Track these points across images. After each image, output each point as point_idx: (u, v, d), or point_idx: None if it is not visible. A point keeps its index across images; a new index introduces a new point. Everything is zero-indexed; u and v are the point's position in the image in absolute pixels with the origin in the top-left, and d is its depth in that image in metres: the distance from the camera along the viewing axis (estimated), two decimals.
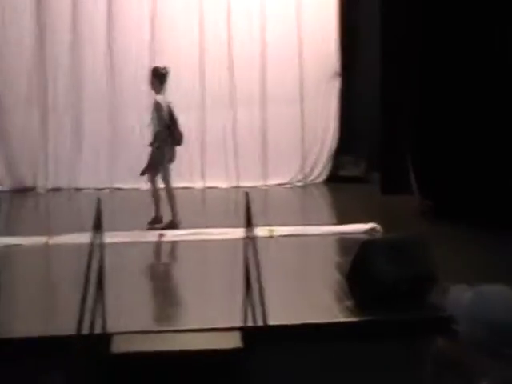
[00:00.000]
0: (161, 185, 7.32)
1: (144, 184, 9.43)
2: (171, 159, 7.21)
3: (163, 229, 6.77)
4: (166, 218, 7.01)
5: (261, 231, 5.36)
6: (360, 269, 4.55)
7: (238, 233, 5.45)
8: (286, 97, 9.85)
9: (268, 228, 6.55)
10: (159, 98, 7.07)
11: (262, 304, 3.74)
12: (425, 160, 7.28)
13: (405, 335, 4.08)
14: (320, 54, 9.85)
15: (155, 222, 6.96)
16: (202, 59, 9.66)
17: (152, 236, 6.52)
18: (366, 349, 4.08)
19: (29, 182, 9.35)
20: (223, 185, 9.70)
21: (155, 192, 7.18)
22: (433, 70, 7.14)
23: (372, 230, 6.61)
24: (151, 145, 7.10)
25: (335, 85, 9.96)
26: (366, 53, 9.55)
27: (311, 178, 9.95)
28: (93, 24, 9.43)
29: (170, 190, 7.13)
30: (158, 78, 7.14)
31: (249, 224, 4.23)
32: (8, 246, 6.15)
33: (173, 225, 6.87)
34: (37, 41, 9.35)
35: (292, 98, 9.91)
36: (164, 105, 7.03)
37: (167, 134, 6.98)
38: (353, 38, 9.83)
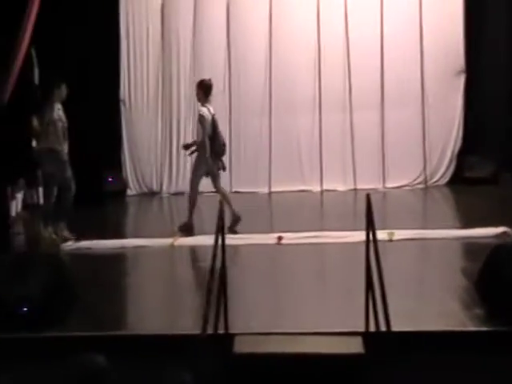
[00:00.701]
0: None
1: (262, 188, 9.62)
2: (219, 168, 7.31)
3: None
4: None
5: (380, 234, 5.22)
6: (492, 275, 4.29)
7: (358, 236, 5.34)
8: (406, 97, 9.56)
9: (388, 231, 6.38)
10: (203, 110, 7.15)
11: (385, 309, 3.62)
12: None
13: None
14: (443, 51, 9.45)
15: (185, 229, 6.96)
16: (318, 61, 9.63)
17: (271, 239, 6.58)
18: (496, 361, 3.82)
19: (155, 187, 9.82)
20: (341, 188, 9.60)
21: (192, 198, 7.27)
22: None
23: (504, 234, 6.21)
24: (190, 153, 7.43)
25: (459, 82, 9.51)
26: (491, 48, 9.04)
27: (433, 179, 9.57)
28: (212, 32, 9.73)
29: (224, 196, 7.18)
30: (203, 89, 7.23)
31: (370, 226, 4.13)
32: (136, 248, 6.49)
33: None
34: (161, 52, 9.82)
35: (413, 98, 9.60)
36: (208, 116, 7.11)
37: (209, 144, 7.07)
38: (478, 33, 9.33)
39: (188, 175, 9.83)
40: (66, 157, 6.76)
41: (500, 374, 3.74)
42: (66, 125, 6.80)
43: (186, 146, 7.58)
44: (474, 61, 9.31)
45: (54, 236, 6.71)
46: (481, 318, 4.22)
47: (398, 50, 9.48)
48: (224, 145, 7.33)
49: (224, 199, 6.82)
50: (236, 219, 7.06)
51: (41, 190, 8.96)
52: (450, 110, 9.58)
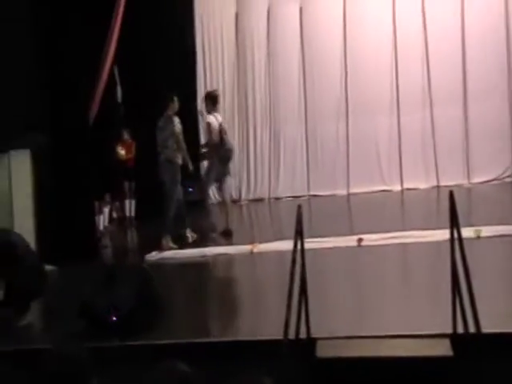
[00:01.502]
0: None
1: (340, 190, 9.53)
2: (224, 174, 7.58)
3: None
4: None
5: (466, 232, 5.02)
6: None
7: (443, 234, 5.16)
8: (489, 88, 9.21)
9: (474, 228, 6.13)
10: (211, 118, 7.43)
11: (474, 309, 3.47)
12: None
13: None
14: None
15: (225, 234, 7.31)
16: (395, 59, 9.47)
17: (351, 241, 6.49)
18: None
19: (234, 195, 9.96)
20: (423, 185, 9.35)
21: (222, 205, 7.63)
22: None
23: None
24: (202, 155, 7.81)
25: None
26: None
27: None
28: (286, 37, 9.81)
29: (225, 203, 7.57)
30: (211, 100, 7.56)
31: (454, 224, 3.97)
32: (217, 256, 6.59)
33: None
34: (237, 63, 9.98)
35: (497, 89, 9.23)
36: (216, 125, 7.37)
37: (215, 152, 7.41)
38: None
39: (266, 183, 9.94)
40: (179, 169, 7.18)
41: None
42: (181, 137, 7.19)
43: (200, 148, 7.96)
44: None
45: (173, 244, 6.97)
46: None
47: (481, 40, 9.16)
48: (231, 151, 7.64)
49: (224, 206, 7.23)
50: (227, 232, 7.31)
51: (127, 202, 9.35)
52: None
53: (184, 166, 7.22)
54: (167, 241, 6.99)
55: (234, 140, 9.97)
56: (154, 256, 6.71)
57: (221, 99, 10.02)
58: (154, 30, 9.17)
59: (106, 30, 7.22)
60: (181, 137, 7.13)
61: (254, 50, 9.94)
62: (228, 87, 10.03)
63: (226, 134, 7.57)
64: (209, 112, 7.59)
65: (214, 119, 7.49)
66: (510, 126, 9.24)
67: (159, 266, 6.39)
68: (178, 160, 7.09)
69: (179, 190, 7.15)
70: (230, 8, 9.92)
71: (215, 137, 7.42)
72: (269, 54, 9.87)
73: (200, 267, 6.40)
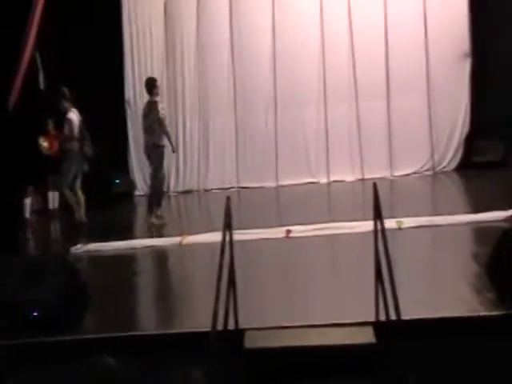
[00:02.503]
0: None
1: (269, 182, 9.62)
2: (81, 169, 7.87)
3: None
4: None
5: (389, 223, 5.19)
6: (503, 259, 4.24)
7: (367, 226, 5.32)
8: (411, 84, 9.53)
9: (396, 220, 6.35)
10: (71, 114, 7.73)
11: (395, 298, 3.60)
12: None
13: None
14: (447, 36, 9.42)
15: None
16: (322, 53, 9.62)
17: (280, 232, 6.57)
18: (509, 344, 3.79)
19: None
20: (349, 178, 9.58)
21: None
22: None
23: None
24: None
25: (465, 66, 9.44)
26: (497, 30, 8.96)
27: (441, 165, 9.53)
28: (216, 28, 9.77)
29: (78, 198, 7.76)
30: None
31: (377, 216, 4.10)
32: (145, 248, 6.51)
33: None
34: (166, 52, 9.83)
35: (418, 85, 9.56)
36: (76, 120, 7.71)
37: (78, 146, 7.74)
38: (483, 15, 9.24)
39: (195, 174, 9.88)
40: (165, 152, 7.65)
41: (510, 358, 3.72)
42: (166, 122, 7.68)
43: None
44: (479, 43, 9.24)
45: (159, 221, 7.48)
46: (492, 302, 4.19)
47: (403, 37, 9.44)
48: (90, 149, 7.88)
49: (77, 202, 7.51)
50: (81, 224, 7.53)
51: (50, 194, 9.07)
52: (456, 94, 9.53)
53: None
54: (149, 217, 7.50)
55: None
56: (79, 248, 6.54)
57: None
58: (80, 17, 8.90)
59: (27, 16, 6.94)
60: (165, 122, 7.59)
61: (183, 39, 9.83)
62: (156, 77, 9.87)
63: (85, 131, 7.78)
64: (66, 108, 7.78)
65: (74, 115, 7.75)
66: (429, 121, 9.59)
67: (85, 258, 6.24)
68: (163, 144, 7.54)
69: (164, 171, 7.84)
70: None
71: (76, 132, 7.72)
72: (198, 44, 9.79)
73: (128, 259, 6.30)
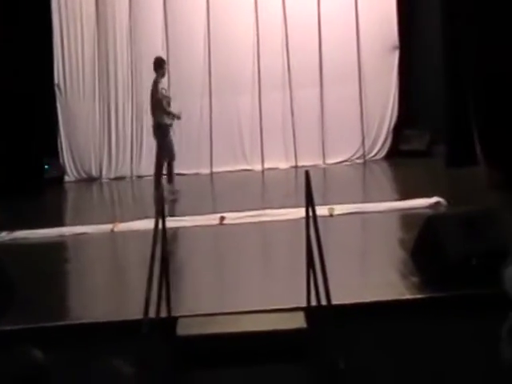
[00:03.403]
0: None
1: (204, 169, 9.59)
2: None
3: None
4: None
5: (321, 210, 5.30)
6: (427, 244, 4.43)
7: (299, 213, 5.40)
8: (343, 74, 9.67)
9: (328, 207, 6.48)
10: None
11: (326, 283, 3.69)
12: (491, 130, 6.99)
13: (476, 311, 3.95)
14: (377, 28, 9.60)
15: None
16: (257, 41, 9.61)
17: (213, 219, 6.58)
18: (434, 326, 3.98)
19: (94, 172, 9.63)
20: (283, 165, 9.68)
21: None
22: (498, 38, 6.80)
23: (436, 204, 6.43)
24: None
25: (394, 58, 9.69)
26: (424, 23, 9.23)
27: (371, 154, 9.77)
28: (149, 14, 9.54)
29: None
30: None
31: (309, 203, 4.18)
32: (76, 235, 6.36)
33: None
34: (97, 36, 9.55)
35: (350, 75, 9.72)
36: None
37: None
38: (411, 9, 9.51)
39: (128, 160, 9.71)
40: (170, 130, 7.84)
41: (435, 337, 3.90)
42: (170, 100, 7.86)
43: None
44: (407, 36, 9.51)
45: (172, 196, 7.49)
46: (417, 286, 4.37)
47: (335, 28, 9.57)
48: None
49: None
50: None
51: None
52: (385, 85, 9.76)
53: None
54: (156, 191, 7.45)
55: (95, 116, 9.63)
56: (3, 236, 6.31)
57: (80, 75, 9.65)
58: (5, 4, 8.48)
59: None
60: (165, 101, 7.73)
61: (115, 22, 9.57)
62: (88, 60, 9.60)
63: None
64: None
65: None
66: (360, 110, 9.81)
67: (10, 246, 6.02)
68: (166, 122, 7.76)
69: (171, 148, 7.86)
70: None
71: None
72: (131, 30, 9.56)
73: (56, 247, 6.12)
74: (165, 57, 9.58)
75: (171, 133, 7.92)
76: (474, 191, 6.88)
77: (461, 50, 7.24)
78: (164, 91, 7.80)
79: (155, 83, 7.80)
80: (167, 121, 7.78)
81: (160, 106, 7.71)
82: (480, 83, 7.08)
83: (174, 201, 7.57)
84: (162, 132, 7.76)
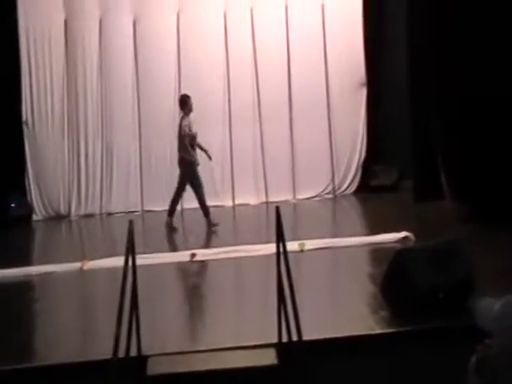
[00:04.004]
0: None
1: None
2: None
3: None
4: None
5: (291, 246, 5.33)
6: (395, 278, 4.48)
7: (270, 248, 5.42)
8: (312, 110, 9.85)
9: (299, 242, 6.52)
10: None
11: (296, 319, 3.69)
12: (457, 165, 7.17)
13: (444, 344, 3.99)
14: (345, 66, 9.84)
15: None
16: (227, 77, 9.74)
17: (184, 256, 6.54)
18: (403, 360, 4.00)
19: (62, 210, 9.52)
20: (253, 201, 9.71)
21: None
22: (461, 75, 7.04)
23: (405, 238, 6.52)
24: None
25: (362, 95, 9.93)
26: (392, 60, 9.50)
27: (341, 189, 9.90)
28: (119, 49, 9.61)
29: None
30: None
31: (280, 239, 4.20)
32: (43, 274, 6.24)
33: None
34: (66, 71, 9.57)
35: (319, 111, 9.91)
36: None
37: None
38: (379, 47, 9.80)
39: (98, 197, 9.62)
40: (195, 164, 8.09)
41: (405, 370, 3.91)
42: (195, 137, 8.09)
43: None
44: (375, 74, 9.76)
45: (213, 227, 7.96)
46: (386, 320, 4.39)
47: (304, 64, 9.78)
48: None
49: None
50: None
51: None
52: (354, 121, 9.97)
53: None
54: (169, 219, 8.04)
55: (63, 153, 9.56)
56: None
57: (49, 112, 9.61)
58: None
59: None
60: (188, 138, 8.00)
61: (85, 62, 9.59)
62: (57, 97, 9.58)
63: None
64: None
65: None
66: (330, 146, 9.96)
67: None
68: (190, 158, 8.01)
69: (198, 185, 8.15)
70: (58, 14, 9.49)
71: None
72: (101, 66, 9.60)
73: (24, 287, 5.99)
74: (135, 93, 9.67)
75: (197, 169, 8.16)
76: (441, 225, 7.01)
77: (426, 86, 7.46)
78: (187, 128, 8.01)
79: (180, 120, 8.12)
80: (191, 157, 8.00)
81: (182, 142, 7.98)
82: (445, 119, 7.28)
83: (213, 230, 7.90)
84: (185, 168, 8.05)
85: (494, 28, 6.86)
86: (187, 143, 7.97)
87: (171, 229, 8.08)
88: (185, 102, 8.14)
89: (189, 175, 8.08)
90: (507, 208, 6.61)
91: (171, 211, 8.15)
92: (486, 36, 6.89)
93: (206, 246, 6.79)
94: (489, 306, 1.82)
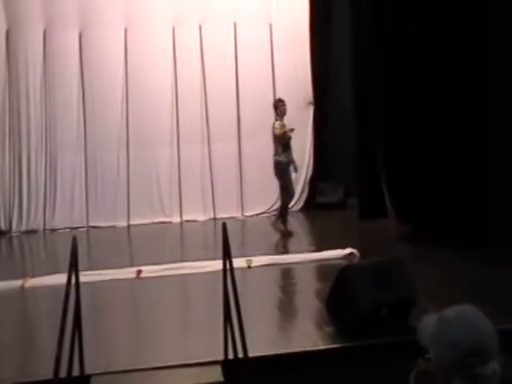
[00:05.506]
0: None
1: (120, 222, 9.42)
2: None
3: None
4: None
5: (238, 262, 5.35)
6: (340, 294, 4.55)
7: (217, 265, 5.42)
8: (259, 128, 9.92)
9: (246, 258, 6.54)
10: None
11: (242, 336, 3.70)
12: (400, 184, 7.38)
13: (386, 359, 4.07)
14: (293, 86, 10.00)
15: None
16: (176, 94, 9.74)
17: (130, 273, 6.45)
18: (347, 375, 4.06)
19: (3, 226, 9.24)
20: (201, 218, 9.69)
21: None
22: (407, 95, 7.27)
23: (350, 255, 6.65)
24: None
25: (309, 114, 10.10)
26: (338, 80, 9.74)
27: (289, 206, 10.00)
28: (64, 61, 9.47)
29: None
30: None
31: (226, 256, 4.22)
32: None
33: None
34: (8, 82, 9.34)
35: (266, 130, 10.00)
36: None
37: None
38: (325, 69, 10.03)
39: (40, 212, 9.38)
40: (283, 164, 8.30)
41: None
42: (287, 136, 8.31)
43: None
44: (321, 93, 9.97)
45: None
46: (331, 335, 4.45)
47: (252, 83, 9.89)
48: None
49: None
50: None
51: None
52: (301, 139, 10.10)
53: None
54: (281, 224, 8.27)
55: (4, 166, 9.31)
56: None
57: None
58: None
59: None
60: (277, 140, 8.27)
61: (28, 71, 9.39)
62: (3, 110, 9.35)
63: None
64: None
65: None
66: None
67: None
68: (282, 159, 8.25)
69: (290, 186, 8.47)
70: (0, 23, 9.28)
71: None
72: (45, 77, 9.41)
73: None
74: (80, 106, 9.52)
75: (290, 171, 8.42)
76: (384, 242, 7.18)
77: (371, 106, 7.67)
78: (277, 130, 8.30)
79: (274, 122, 8.42)
80: (283, 158, 8.25)
81: (275, 144, 8.32)
82: (389, 138, 7.49)
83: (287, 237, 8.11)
84: (278, 170, 8.30)
85: (441, 48, 7.12)
86: (278, 145, 8.29)
87: (287, 233, 8.21)
88: (275, 107, 8.52)
89: (278, 175, 8.36)
90: (447, 228, 6.84)
91: (282, 216, 8.36)
92: (434, 56, 7.16)
93: (153, 262, 6.71)
94: (428, 323, 1.89)
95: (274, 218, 8.80)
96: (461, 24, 7.08)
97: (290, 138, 8.38)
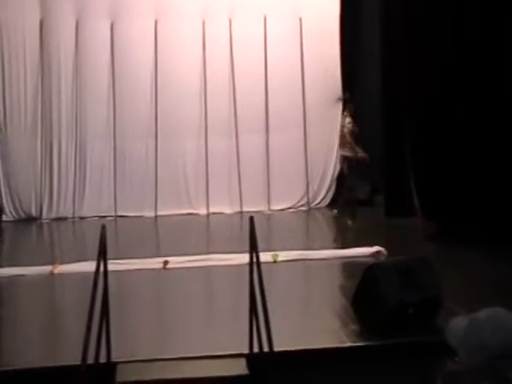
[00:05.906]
0: None
1: (148, 212, 9.51)
2: None
3: None
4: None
5: (264, 256, 5.35)
6: (366, 292, 4.53)
7: (243, 258, 5.43)
8: (289, 123, 9.91)
9: (272, 253, 6.54)
10: None
11: (268, 330, 3.71)
12: (428, 182, 7.30)
13: (413, 359, 4.04)
14: (322, 80, 9.94)
15: None
16: (204, 86, 9.76)
17: (157, 263, 6.51)
18: (373, 373, 4.04)
19: (34, 212, 9.39)
20: (227, 210, 9.72)
21: None
22: (436, 92, 7.18)
23: (377, 253, 6.60)
24: None
25: (337, 110, 10.04)
26: (367, 77, 9.65)
27: (315, 202, 9.97)
28: (95, 51, 9.55)
29: None
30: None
31: (253, 249, 4.22)
32: (12, 277, 6.15)
33: None
34: (40, 71, 9.47)
35: (295, 124, 9.98)
36: None
37: None
38: (355, 63, 9.94)
39: (70, 201, 9.52)
40: (348, 159, 8.72)
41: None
42: (349, 132, 8.72)
43: None
44: (351, 88, 9.89)
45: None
46: (357, 333, 4.44)
47: (281, 77, 9.85)
48: None
49: None
50: None
51: None
52: (329, 135, 10.05)
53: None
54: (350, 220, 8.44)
55: (36, 154, 9.45)
56: None
57: (22, 111, 9.48)
58: None
59: None
60: (347, 135, 8.65)
61: (60, 61, 9.50)
62: (30, 97, 9.47)
63: None
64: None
65: None
66: (305, 158, 10.04)
67: None
68: (345, 155, 8.68)
69: (352, 180, 8.75)
70: (33, 14, 9.40)
71: None
72: (77, 67, 9.51)
73: None
74: (110, 96, 9.60)
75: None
76: (411, 241, 7.11)
77: (400, 102, 7.59)
78: (341, 127, 8.70)
79: (343, 120, 8.79)
80: (347, 153, 8.65)
81: (348, 140, 8.65)
82: (419, 136, 7.41)
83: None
84: (345, 164, 8.72)
85: (470, 42, 7.02)
86: (347, 140, 8.62)
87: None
88: (345, 102, 8.88)
89: (346, 170, 8.71)
90: (473, 227, 6.75)
91: (351, 212, 8.56)
92: (462, 50, 7.05)
93: (179, 253, 6.75)
94: (458, 325, 1.87)
95: (335, 211, 9.11)
96: (489, 16, 6.95)
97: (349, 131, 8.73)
